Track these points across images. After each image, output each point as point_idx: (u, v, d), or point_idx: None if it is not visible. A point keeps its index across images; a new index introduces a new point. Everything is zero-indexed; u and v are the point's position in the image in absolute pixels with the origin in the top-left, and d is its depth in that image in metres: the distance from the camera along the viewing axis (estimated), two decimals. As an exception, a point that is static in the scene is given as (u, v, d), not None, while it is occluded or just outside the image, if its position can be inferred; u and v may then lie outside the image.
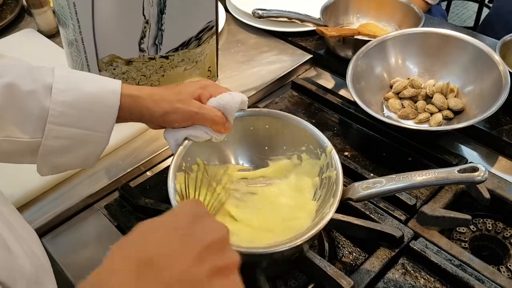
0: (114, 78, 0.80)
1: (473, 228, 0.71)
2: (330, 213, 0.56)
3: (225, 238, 0.42)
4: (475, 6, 2.34)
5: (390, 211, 0.70)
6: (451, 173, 0.56)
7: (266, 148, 0.70)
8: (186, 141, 0.64)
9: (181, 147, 0.64)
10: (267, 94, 0.95)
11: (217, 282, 0.39)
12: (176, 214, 0.43)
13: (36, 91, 0.56)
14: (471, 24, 2.45)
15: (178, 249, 0.39)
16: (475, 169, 0.56)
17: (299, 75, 1.00)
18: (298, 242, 0.54)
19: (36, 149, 0.58)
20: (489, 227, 0.71)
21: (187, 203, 0.45)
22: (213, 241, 0.40)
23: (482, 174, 0.55)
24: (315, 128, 0.66)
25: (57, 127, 0.57)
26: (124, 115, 0.60)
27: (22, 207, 0.72)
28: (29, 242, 0.49)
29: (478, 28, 1.63)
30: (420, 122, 0.83)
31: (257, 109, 0.84)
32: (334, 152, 0.63)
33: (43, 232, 0.71)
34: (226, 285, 0.40)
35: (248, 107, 0.70)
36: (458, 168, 0.56)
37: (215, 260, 0.40)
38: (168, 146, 0.81)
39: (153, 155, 0.81)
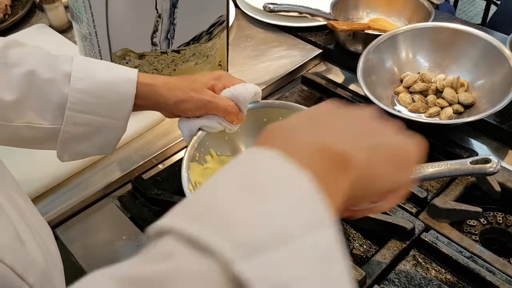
0: (127, 71, 0.81)
1: (484, 221, 0.72)
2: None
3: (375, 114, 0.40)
4: (483, 3, 2.33)
5: (401, 204, 0.70)
6: (464, 164, 0.57)
7: None
8: (200, 132, 0.65)
9: (194, 138, 0.64)
10: (276, 88, 0.96)
11: (392, 134, 0.38)
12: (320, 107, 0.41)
13: (55, 79, 0.58)
14: (479, 21, 2.44)
15: (343, 116, 0.38)
16: (487, 161, 0.56)
17: (309, 70, 1.00)
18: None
19: (56, 135, 0.59)
20: (500, 220, 0.72)
21: (326, 103, 0.43)
22: (366, 116, 0.39)
23: (494, 165, 0.56)
24: None
25: (76, 114, 0.59)
26: (139, 102, 0.62)
27: (36, 199, 0.73)
28: (42, 235, 0.50)
29: (486, 26, 1.63)
30: (431, 116, 0.83)
31: (270, 101, 0.84)
32: None
33: (57, 223, 0.72)
34: (403, 137, 0.38)
35: (262, 100, 0.70)
36: (470, 159, 0.57)
37: (383, 123, 0.39)
38: (179, 139, 0.82)
39: (165, 149, 0.82)
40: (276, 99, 0.93)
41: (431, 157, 0.78)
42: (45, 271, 0.45)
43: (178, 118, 0.66)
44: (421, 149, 0.40)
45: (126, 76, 0.61)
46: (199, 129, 0.64)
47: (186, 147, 0.65)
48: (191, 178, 0.60)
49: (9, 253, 0.40)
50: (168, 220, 0.27)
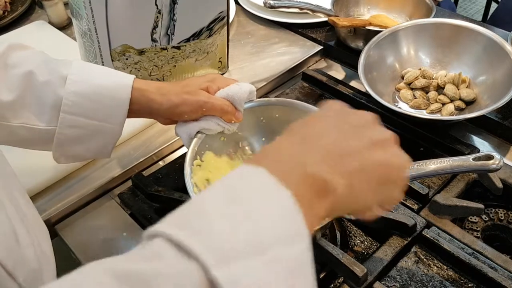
0: (127, 68, 0.81)
1: (485, 218, 0.71)
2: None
3: (375, 119, 0.42)
4: (484, 0, 2.33)
5: (402, 200, 0.70)
6: (466, 161, 0.56)
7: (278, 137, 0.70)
8: (199, 134, 0.64)
9: (194, 140, 0.64)
10: (277, 85, 0.96)
11: (378, 151, 0.39)
12: (325, 109, 0.43)
13: (51, 81, 0.59)
14: (479, 18, 2.43)
15: (335, 128, 0.39)
16: (490, 157, 0.56)
17: (309, 66, 1.00)
18: (312, 229, 0.54)
19: (51, 137, 0.60)
20: (501, 216, 0.71)
21: (334, 102, 0.44)
22: (365, 122, 0.40)
23: (497, 162, 0.55)
24: None
25: (70, 117, 0.59)
26: (133, 108, 0.62)
27: (36, 195, 0.72)
28: (38, 237, 0.50)
29: (487, 23, 1.62)
30: (432, 112, 0.83)
31: (266, 98, 0.84)
32: None
33: (57, 219, 0.71)
34: (390, 153, 0.39)
35: (259, 98, 0.70)
36: (473, 156, 0.57)
37: (373, 135, 0.39)
38: (179, 137, 0.82)
39: (165, 145, 0.82)
40: (277, 95, 0.93)
41: (432, 154, 0.78)
42: (36, 271, 0.45)
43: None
44: (408, 164, 0.41)
45: (122, 81, 0.61)
46: (198, 132, 0.64)
47: (182, 146, 0.64)
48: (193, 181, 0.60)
49: (1, 249, 0.41)
50: (160, 225, 0.30)
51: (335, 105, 0.43)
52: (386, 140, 0.40)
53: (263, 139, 0.70)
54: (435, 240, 0.64)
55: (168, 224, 0.30)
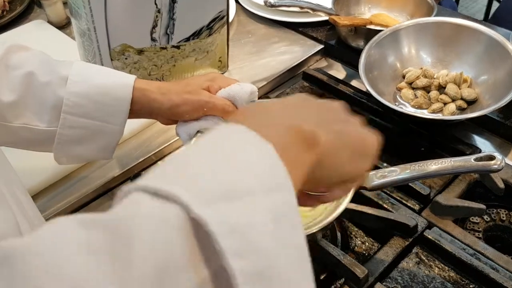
0: (126, 67, 0.80)
1: (487, 218, 0.71)
2: (346, 201, 0.55)
3: (345, 106, 0.42)
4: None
5: (403, 201, 0.70)
6: (467, 161, 0.56)
7: None
8: (199, 134, 0.64)
9: (194, 139, 0.64)
10: (278, 84, 0.95)
11: (353, 126, 0.40)
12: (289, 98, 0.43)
13: (52, 82, 0.59)
14: (481, 17, 2.43)
15: (314, 105, 0.40)
16: (491, 158, 0.55)
17: (310, 66, 0.99)
18: (313, 230, 0.54)
19: (52, 138, 0.59)
20: (503, 217, 0.71)
21: (299, 94, 0.45)
22: (337, 106, 0.41)
23: (498, 162, 0.55)
24: None
25: (71, 117, 0.59)
26: (134, 108, 0.61)
27: (36, 196, 0.72)
28: None
29: (488, 22, 1.62)
30: (433, 112, 0.82)
31: (267, 99, 0.84)
32: None
33: (56, 220, 0.71)
34: (362, 130, 0.40)
35: (259, 98, 0.69)
36: (474, 156, 0.56)
37: (346, 115, 0.40)
38: (178, 137, 0.82)
39: (165, 145, 0.81)
40: (277, 95, 0.93)
41: (434, 154, 0.78)
42: None
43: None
44: (379, 145, 0.41)
45: (123, 81, 0.61)
46: (198, 132, 0.64)
47: (182, 145, 0.64)
48: None
49: None
50: (137, 181, 0.28)
51: (303, 95, 0.44)
52: (358, 121, 0.41)
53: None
54: (436, 241, 0.63)
55: (144, 178, 0.29)
